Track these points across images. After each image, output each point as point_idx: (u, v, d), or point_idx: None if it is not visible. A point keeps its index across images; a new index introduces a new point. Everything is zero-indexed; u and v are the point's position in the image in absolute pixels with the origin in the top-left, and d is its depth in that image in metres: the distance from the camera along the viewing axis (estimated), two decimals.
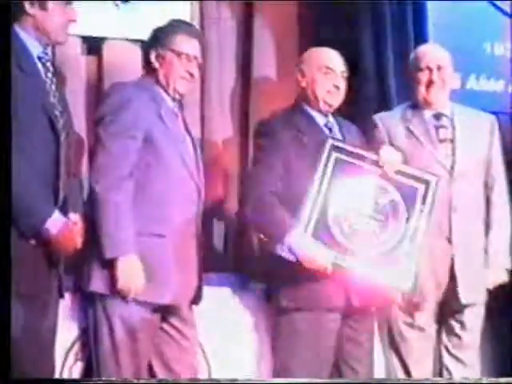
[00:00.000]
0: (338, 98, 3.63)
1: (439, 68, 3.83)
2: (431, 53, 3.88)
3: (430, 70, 3.81)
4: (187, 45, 3.35)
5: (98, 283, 3.16)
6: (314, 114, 3.62)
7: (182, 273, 3.25)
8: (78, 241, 3.02)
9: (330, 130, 3.62)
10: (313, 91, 3.60)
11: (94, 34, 4.05)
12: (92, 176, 3.16)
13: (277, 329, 3.54)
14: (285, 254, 3.34)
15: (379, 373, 3.83)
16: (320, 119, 3.63)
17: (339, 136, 3.61)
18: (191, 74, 3.36)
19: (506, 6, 4.04)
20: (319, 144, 3.47)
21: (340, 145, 3.46)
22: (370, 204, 3.44)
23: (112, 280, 3.12)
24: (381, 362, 3.88)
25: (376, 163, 3.49)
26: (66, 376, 3.34)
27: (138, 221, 3.15)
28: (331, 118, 3.66)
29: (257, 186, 3.45)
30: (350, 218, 3.40)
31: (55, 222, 2.91)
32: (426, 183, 3.54)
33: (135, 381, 3.17)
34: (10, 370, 2.70)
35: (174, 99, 3.37)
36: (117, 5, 4.09)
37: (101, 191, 3.11)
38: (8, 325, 2.71)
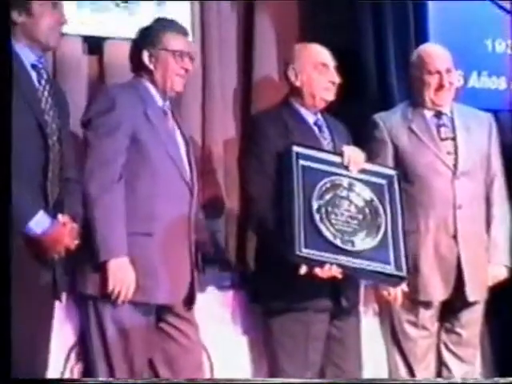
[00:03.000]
0: (333, 93, 3.61)
1: (448, 71, 3.82)
2: (439, 55, 3.86)
3: (440, 73, 3.80)
4: (178, 42, 3.36)
5: (93, 286, 3.16)
6: (304, 111, 3.60)
7: (172, 271, 3.24)
8: (69, 242, 3.00)
9: (320, 128, 3.61)
10: (309, 89, 3.57)
11: (95, 34, 4.06)
12: (83, 179, 3.15)
13: (267, 330, 3.50)
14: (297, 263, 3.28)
15: (377, 371, 3.82)
16: (310, 117, 3.60)
17: (327, 134, 3.60)
18: (186, 70, 3.37)
19: (506, 4, 4.02)
20: (306, 142, 3.46)
21: (304, 151, 3.41)
22: (346, 205, 3.42)
23: (103, 283, 3.13)
24: (382, 361, 3.88)
25: (341, 165, 3.46)
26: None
27: (126, 220, 3.16)
28: (320, 116, 3.64)
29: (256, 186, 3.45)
30: (333, 221, 3.36)
31: (39, 223, 2.90)
32: (389, 178, 3.54)
33: (138, 381, 3.18)
34: (10, 369, 2.68)
35: (164, 98, 3.37)
36: (118, 4, 4.09)
37: (93, 194, 3.13)
38: (8, 325, 2.69)
